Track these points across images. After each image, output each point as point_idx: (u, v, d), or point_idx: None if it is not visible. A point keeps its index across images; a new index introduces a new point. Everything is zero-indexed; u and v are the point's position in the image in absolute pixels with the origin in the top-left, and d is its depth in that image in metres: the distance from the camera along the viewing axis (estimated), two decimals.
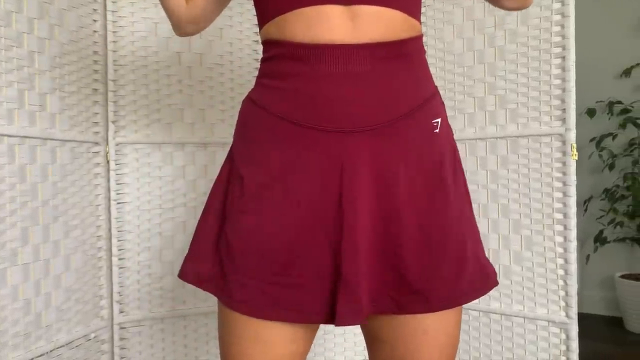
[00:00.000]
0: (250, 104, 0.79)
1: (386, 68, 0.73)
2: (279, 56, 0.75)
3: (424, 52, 0.80)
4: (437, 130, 0.76)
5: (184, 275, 0.80)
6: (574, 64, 1.43)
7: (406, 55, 0.75)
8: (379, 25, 0.72)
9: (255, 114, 0.77)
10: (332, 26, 0.71)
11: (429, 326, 0.76)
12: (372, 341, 0.82)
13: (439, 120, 0.77)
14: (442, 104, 0.82)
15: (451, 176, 0.77)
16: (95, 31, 1.49)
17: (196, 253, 0.79)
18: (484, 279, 0.79)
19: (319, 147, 0.71)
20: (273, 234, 0.72)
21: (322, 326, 1.76)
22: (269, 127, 0.74)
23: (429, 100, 0.77)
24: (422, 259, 0.73)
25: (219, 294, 0.77)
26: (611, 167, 2.65)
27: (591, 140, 2.68)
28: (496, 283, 0.81)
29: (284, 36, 0.73)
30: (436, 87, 0.81)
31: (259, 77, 0.80)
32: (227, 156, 0.82)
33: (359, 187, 0.71)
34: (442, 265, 0.74)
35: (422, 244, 0.73)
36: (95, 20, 1.49)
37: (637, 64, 2.63)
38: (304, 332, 0.77)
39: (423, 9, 1.68)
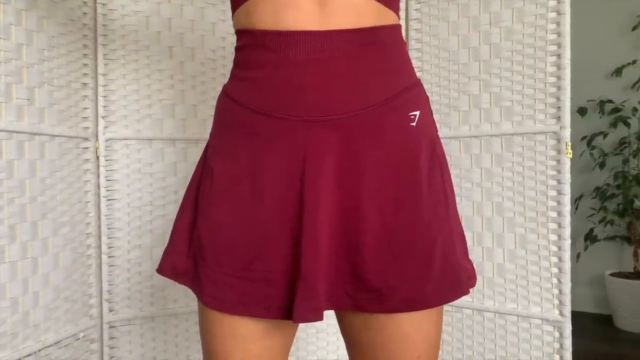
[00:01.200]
0: (223, 95, 0.78)
1: (356, 56, 0.70)
2: (248, 45, 0.73)
3: (404, 43, 0.78)
4: (414, 124, 0.73)
5: (161, 269, 0.79)
6: (570, 62, 1.43)
7: (380, 43, 0.72)
8: (348, 11, 0.69)
9: (227, 106, 0.76)
10: (300, 12, 0.69)
11: (408, 330, 0.73)
12: (351, 344, 0.80)
13: (416, 113, 0.73)
14: (425, 97, 0.78)
15: (426, 173, 0.73)
16: (85, 24, 1.46)
17: (172, 246, 0.79)
18: (454, 283, 0.73)
19: (286, 137, 0.70)
20: (240, 228, 0.71)
21: (317, 324, 1.74)
22: (240, 118, 0.73)
23: (406, 92, 0.73)
24: (382, 257, 0.70)
25: (193, 289, 0.76)
26: (602, 165, 2.66)
27: (582, 138, 2.70)
28: (467, 289, 0.75)
29: (253, 24, 0.72)
30: (418, 79, 0.78)
31: (232, 68, 0.78)
32: (204, 149, 0.81)
33: (322, 180, 0.69)
34: (405, 266, 0.70)
35: (384, 242, 0.70)
36: (85, 13, 1.46)
37: (628, 64, 2.65)
38: (279, 326, 0.76)
39: (418, 5, 1.67)
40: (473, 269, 0.78)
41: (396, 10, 0.77)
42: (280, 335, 0.77)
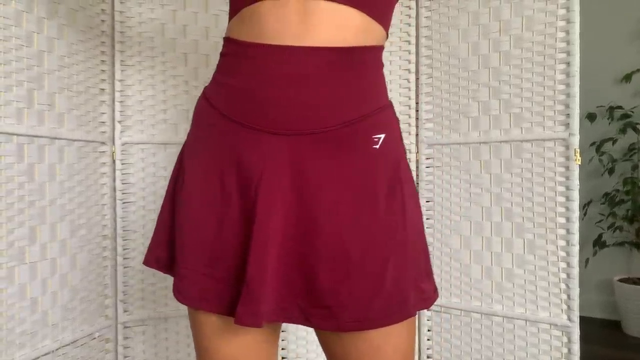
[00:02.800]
0: (202, 97, 0.81)
1: (329, 74, 0.71)
2: (231, 53, 0.76)
3: (381, 64, 0.78)
4: (377, 147, 0.73)
5: (146, 261, 0.84)
6: (579, 70, 1.45)
7: (356, 64, 0.73)
8: (331, 26, 0.70)
9: (203, 108, 0.79)
10: (283, 25, 0.70)
11: (379, 343, 0.74)
12: (330, 356, 0.81)
13: (381, 136, 0.73)
14: (394, 120, 0.79)
15: (384, 195, 0.73)
16: (103, 31, 1.50)
17: (155, 241, 0.84)
18: (401, 305, 0.73)
19: (251, 146, 0.72)
20: (205, 227, 0.75)
21: None
22: (213, 122, 0.76)
23: (374, 115, 0.74)
24: (335, 274, 0.71)
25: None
26: (611, 171, 2.67)
27: (591, 144, 2.70)
28: (415, 310, 0.75)
29: (239, 34, 0.74)
30: (390, 102, 0.79)
31: (214, 72, 0.81)
32: (182, 148, 0.86)
33: (276, 192, 0.71)
34: (355, 285, 0.71)
35: (337, 259, 0.71)
36: (103, 21, 1.50)
37: (638, 70, 2.65)
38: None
39: (428, 13, 1.70)
40: (433, 289, 0.80)
41: (385, 24, 0.76)
42: (259, 330, 0.79)
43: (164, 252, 0.81)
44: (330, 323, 0.72)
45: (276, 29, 0.70)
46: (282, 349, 1.74)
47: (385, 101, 0.77)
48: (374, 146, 0.73)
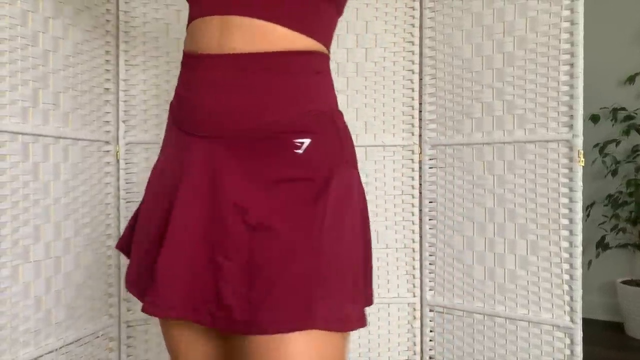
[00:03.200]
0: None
1: (246, 80, 0.72)
2: (182, 63, 0.81)
3: (319, 71, 0.76)
4: (300, 152, 0.72)
5: (117, 245, 0.90)
6: (582, 71, 1.45)
7: (278, 69, 0.73)
8: (251, 36, 0.72)
9: (169, 111, 0.85)
10: (206, 37, 0.74)
11: (274, 354, 0.69)
12: None
13: (304, 141, 0.72)
14: (332, 128, 0.76)
15: (301, 203, 0.70)
16: (107, 31, 1.50)
17: (128, 227, 0.89)
18: (295, 315, 0.67)
19: (185, 149, 0.76)
20: (146, 223, 0.81)
21: None
22: (168, 127, 0.82)
23: (298, 119, 0.73)
24: (237, 276, 0.70)
25: None
26: (614, 173, 2.66)
27: (595, 146, 2.70)
28: (314, 325, 0.67)
29: (185, 46, 0.81)
30: (332, 109, 0.77)
31: None
32: None
33: (190, 193, 0.73)
34: (252, 288, 0.69)
35: (243, 261, 0.70)
36: (108, 21, 1.50)
37: None
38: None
39: (432, 14, 1.70)
40: (357, 316, 0.71)
41: (317, 36, 0.75)
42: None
43: (127, 236, 0.87)
44: (226, 323, 0.70)
45: (204, 42, 0.75)
46: None
47: (318, 106, 0.75)
48: (296, 151, 0.72)
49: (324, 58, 0.77)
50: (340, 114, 0.79)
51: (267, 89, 0.72)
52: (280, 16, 0.72)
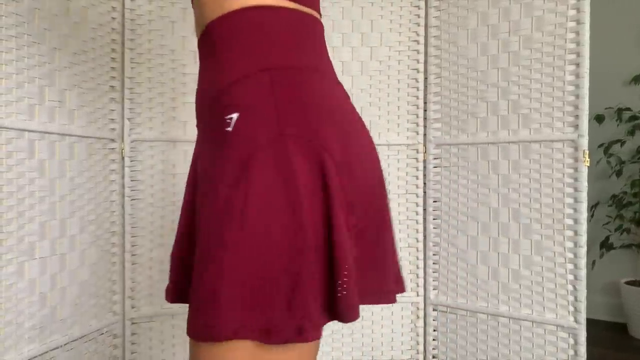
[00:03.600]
0: None
1: (200, 63, 0.71)
2: None
3: (237, 32, 0.66)
4: (230, 129, 0.61)
5: None
6: (588, 71, 1.44)
7: (209, 42, 0.67)
8: (196, 15, 0.71)
9: None
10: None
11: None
12: None
13: (232, 116, 0.61)
14: (263, 91, 0.62)
15: (226, 188, 0.59)
16: (113, 29, 1.50)
17: None
18: (197, 316, 0.58)
19: None
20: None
21: (332, 325, 1.77)
22: None
23: (228, 90, 0.64)
24: (189, 258, 0.71)
25: None
26: (619, 173, 2.65)
27: (599, 146, 2.69)
28: (217, 335, 0.57)
29: None
30: (249, 72, 0.64)
31: None
32: None
33: (189, 182, 0.75)
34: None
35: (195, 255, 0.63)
36: (113, 18, 1.50)
37: None
38: None
39: (437, 13, 1.70)
40: (285, 327, 0.58)
41: None
42: None
43: None
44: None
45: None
46: None
47: (237, 73, 0.64)
48: (227, 128, 0.62)
49: (245, 14, 0.66)
50: (289, 72, 0.64)
51: (208, 66, 0.68)
52: None
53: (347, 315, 0.60)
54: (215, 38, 0.66)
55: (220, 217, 0.58)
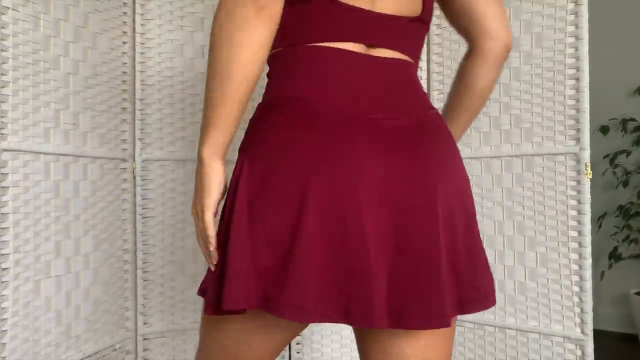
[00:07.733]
0: None
1: None
2: None
3: (274, 66, 0.80)
4: None
5: None
6: (588, 85, 1.47)
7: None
8: None
9: None
10: None
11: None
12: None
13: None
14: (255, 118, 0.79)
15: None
16: (124, 52, 1.56)
17: None
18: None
19: None
20: None
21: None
22: None
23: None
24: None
25: None
26: (625, 184, 2.66)
27: (605, 157, 2.70)
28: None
29: None
30: (265, 101, 0.80)
31: None
32: None
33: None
34: None
35: None
36: (124, 42, 1.56)
37: None
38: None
39: (439, 31, 1.73)
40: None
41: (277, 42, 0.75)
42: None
43: None
44: None
45: None
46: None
47: (264, 98, 0.81)
48: None
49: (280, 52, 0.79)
50: (276, 104, 0.75)
51: None
52: None
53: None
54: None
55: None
